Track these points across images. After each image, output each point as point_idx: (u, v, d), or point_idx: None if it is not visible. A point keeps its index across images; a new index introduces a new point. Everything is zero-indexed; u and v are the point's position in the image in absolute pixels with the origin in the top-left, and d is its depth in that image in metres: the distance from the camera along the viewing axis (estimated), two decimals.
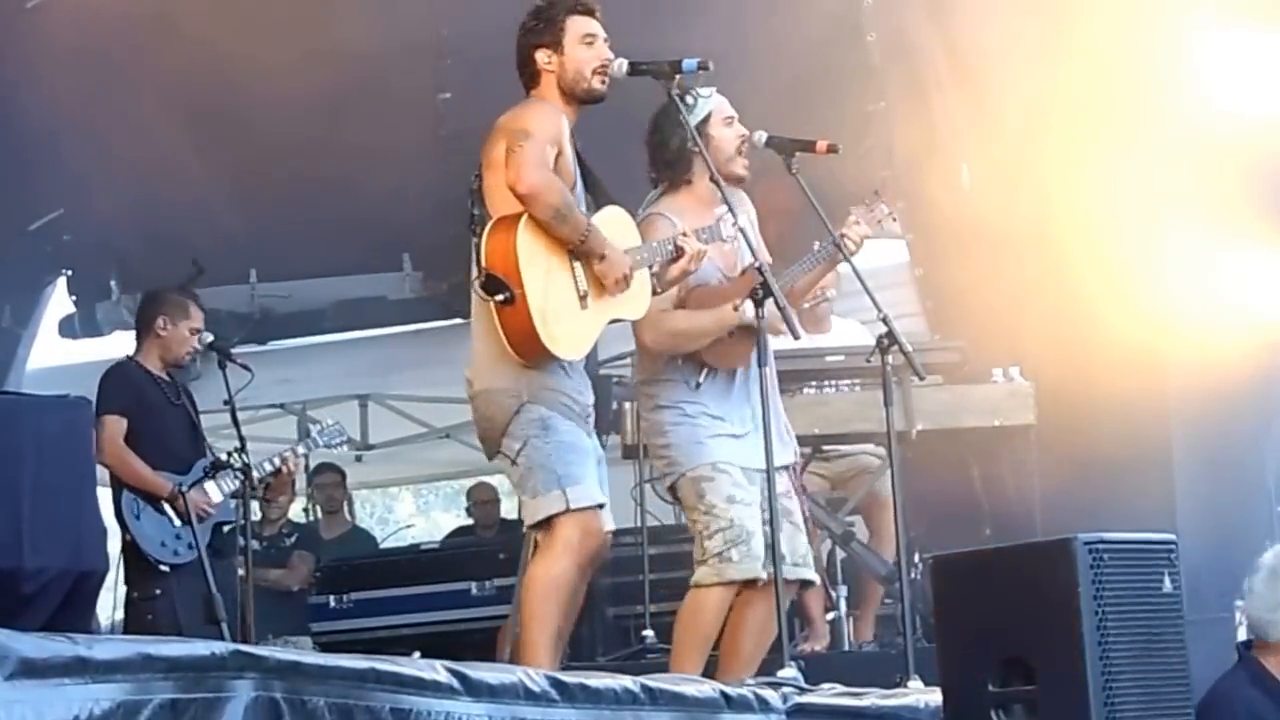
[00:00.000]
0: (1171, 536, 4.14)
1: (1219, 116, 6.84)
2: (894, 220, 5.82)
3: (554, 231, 4.76)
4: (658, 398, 5.29)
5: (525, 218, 4.74)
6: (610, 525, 5.06)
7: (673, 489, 5.31)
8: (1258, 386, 7.05)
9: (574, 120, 5.00)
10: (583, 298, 4.84)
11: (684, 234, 5.02)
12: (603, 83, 4.97)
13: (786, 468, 5.36)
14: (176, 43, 7.69)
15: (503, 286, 4.72)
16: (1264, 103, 6.84)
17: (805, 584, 5.42)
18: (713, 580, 5.13)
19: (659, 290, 5.12)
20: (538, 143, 4.77)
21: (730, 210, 5.05)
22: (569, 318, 4.81)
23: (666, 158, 5.26)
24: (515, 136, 4.77)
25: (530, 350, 4.76)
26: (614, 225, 4.97)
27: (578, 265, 4.84)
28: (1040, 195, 7.58)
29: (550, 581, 4.83)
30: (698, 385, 5.26)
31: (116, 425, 6.61)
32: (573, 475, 4.83)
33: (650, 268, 5.03)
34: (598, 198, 5.06)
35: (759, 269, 5.01)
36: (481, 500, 9.87)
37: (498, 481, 9.70)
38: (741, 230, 5.09)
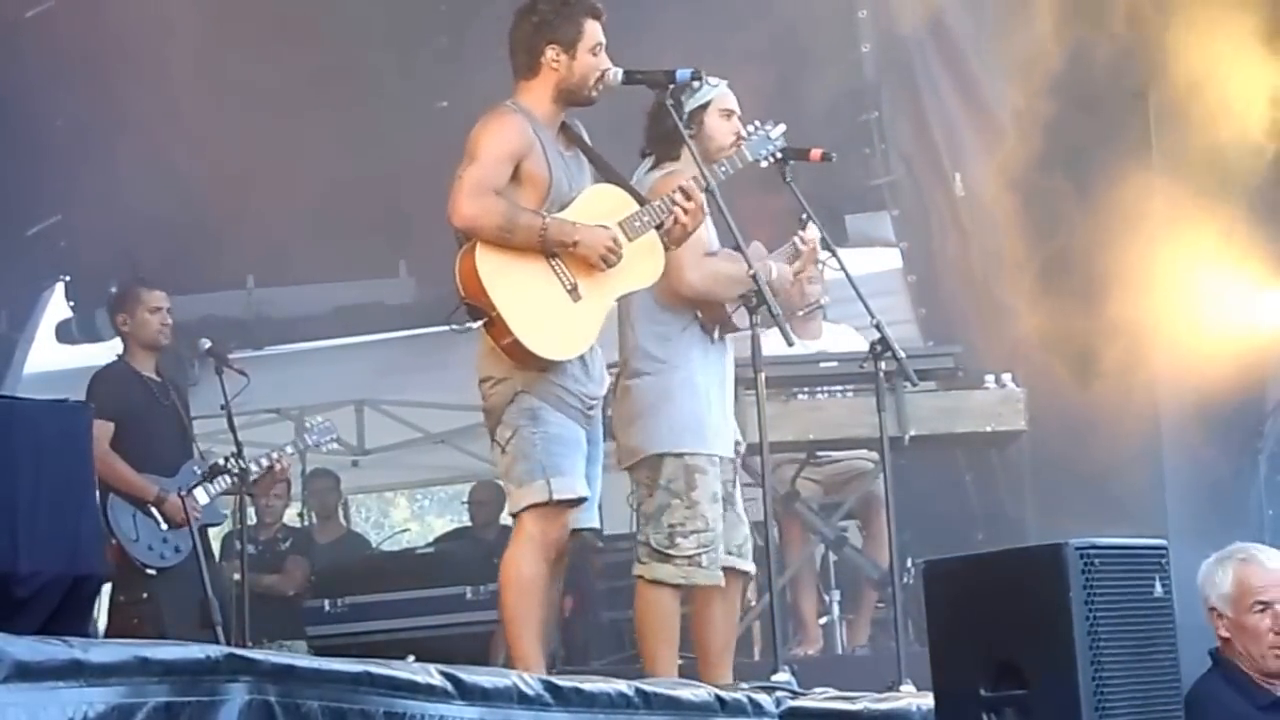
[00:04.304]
0: (1163, 541, 4.15)
1: (1210, 130, 6.88)
2: (823, 263, 5.78)
3: (510, 245, 4.75)
4: (672, 357, 5.16)
5: (480, 241, 4.74)
6: (595, 522, 5.05)
7: (650, 460, 5.14)
8: (1246, 393, 7.08)
9: (558, 116, 4.98)
10: (572, 290, 4.82)
11: (680, 188, 4.96)
12: (599, 91, 4.97)
13: (733, 459, 5.34)
14: (175, 50, 7.71)
15: (481, 312, 4.74)
16: (1253, 118, 6.89)
17: (744, 574, 5.36)
18: (678, 581, 5.10)
19: (671, 247, 5.05)
20: (480, 167, 4.77)
21: (712, 193, 5.05)
22: (557, 319, 4.80)
23: (661, 133, 5.27)
24: (463, 162, 4.79)
25: (527, 359, 4.78)
26: (602, 201, 4.94)
27: (558, 262, 4.81)
28: (1033, 203, 7.61)
29: (523, 582, 4.82)
30: (713, 342, 5.23)
31: (102, 430, 6.59)
32: (558, 466, 4.81)
33: (660, 226, 4.98)
34: (607, 180, 5.03)
35: (753, 276, 5.02)
36: (480, 500, 9.86)
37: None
38: (723, 212, 5.11)
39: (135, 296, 6.96)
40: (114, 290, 7.15)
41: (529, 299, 4.77)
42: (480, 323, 4.75)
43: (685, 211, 4.97)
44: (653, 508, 5.16)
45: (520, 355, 4.77)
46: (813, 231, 5.62)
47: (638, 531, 5.26)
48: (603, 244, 4.81)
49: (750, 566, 5.38)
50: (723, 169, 5.16)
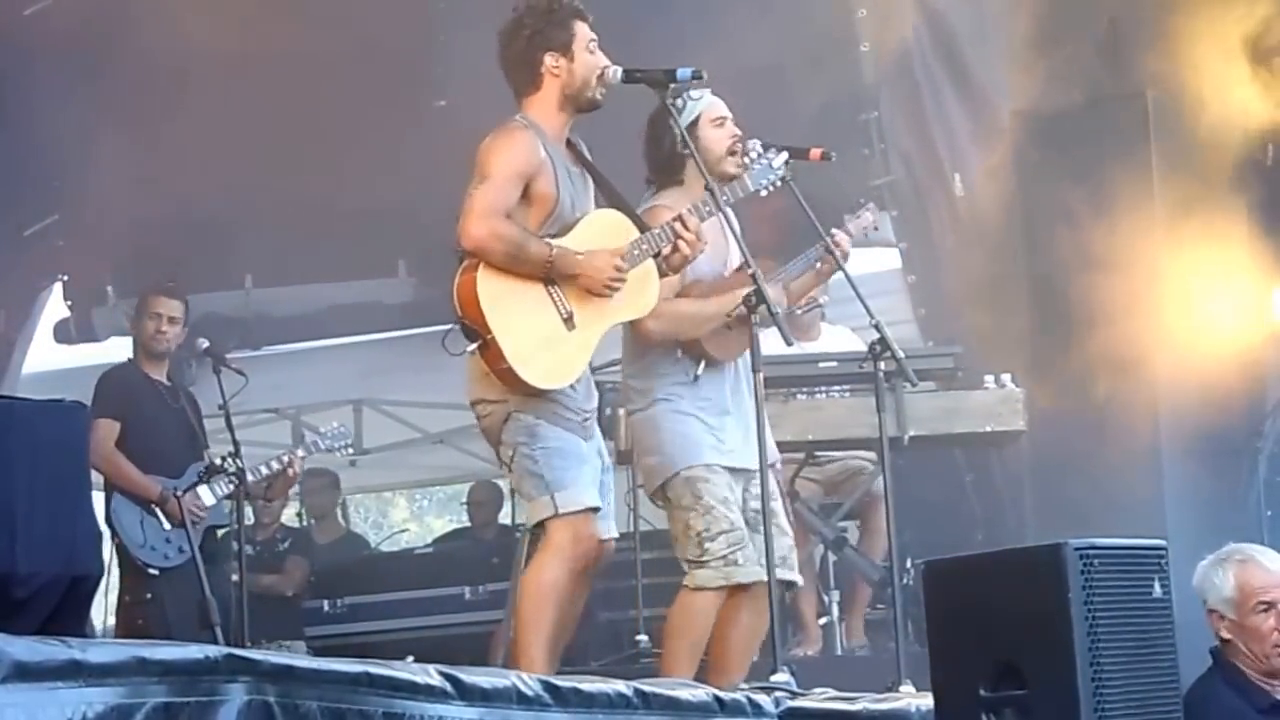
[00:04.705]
0: (1162, 542, 4.16)
1: (1209, 131, 6.89)
2: (876, 229, 5.84)
3: (516, 270, 4.76)
4: (654, 391, 5.24)
5: (484, 263, 4.74)
6: (613, 533, 5.06)
7: (661, 488, 5.23)
8: (1245, 393, 7.08)
9: (565, 129, 4.98)
10: (567, 319, 4.82)
11: (678, 216, 4.98)
12: (603, 92, 4.96)
13: (772, 466, 5.35)
14: (172, 50, 7.71)
15: (475, 334, 4.74)
16: (1252, 121, 6.90)
17: (789, 585, 5.38)
18: (718, 584, 5.12)
19: (667, 273, 5.07)
20: (491, 188, 4.76)
21: (720, 209, 5.06)
22: (550, 348, 4.81)
23: (660, 158, 5.28)
24: (475, 180, 4.79)
25: (517, 385, 4.80)
26: (605, 228, 4.95)
27: (555, 290, 4.82)
28: (1033, 204, 7.62)
29: (542, 587, 4.84)
30: (696, 378, 5.25)
31: (108, 429, 6.61)
32: (560, 480, 4.83)
33: (656, 255, 4.99)
34: (609, 199, 5.04)
35: (752, 276, 5.02)
36: (478, 500, 9.86)
37: (500, 483, 9.68)
38: (732, 228, 5.10)
39: (142, 302, 7.01)
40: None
41: (525, 326, 4.77)
42: (474, 346, 4.75)
43: (685, 242, 4.97)
44: (677, 528, 5.22)
45: (511, 381, 4.78)
46: (867, 216, 5.63)
47: (675, 554, 5.28)
48: (605, 275, 4.82)
49: (795, 576, 5.35)
50: (724, 198, 5.14)
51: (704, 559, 5.12)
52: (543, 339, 4.80)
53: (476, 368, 4.85)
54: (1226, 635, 4.58)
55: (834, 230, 5.59)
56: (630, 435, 5.43)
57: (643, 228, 4.98)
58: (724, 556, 5.11)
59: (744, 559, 5.12)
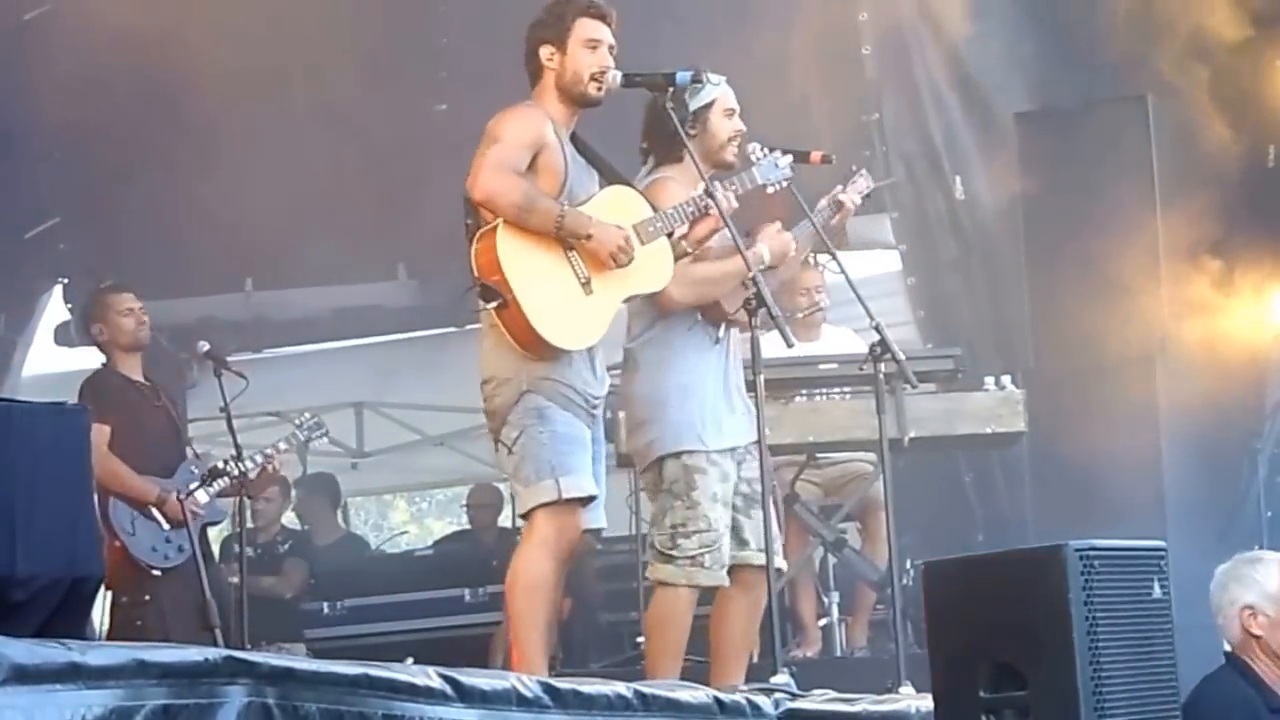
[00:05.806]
0: (1161, 543, 4.17)
1: (1210, 132, 6.90)
2: (866, 196, 5.81)
3: (526, 226, 4.79)
4: (670, 361, 5.18)
5: (503, 221, 4.78)
6: (602, 522, 5.06)
7: (657, 463, 5.18)
8: (1245, 393, 7.09)
9: (571, 120, 5.02)
10: (585, 284, 4.85)
11: (706, 189, 5.02)
12: (598, 89, 4.99)
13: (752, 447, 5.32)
14: (173, 53, 7.72)
15: (495, 293, 4.75)
16: (1253, 121, 6.92)
17: (768, 570, 5.33)
18: (681, 582, 5.12)
19: (690, 250, 5.11)
20: (503, 148, 4.81)
21: (711, 195, 5.08)
22: (570, 309, 4.82)
23: (663, 135, 5.28)
24: (485, 143, 4.84)
25: (537, 347, 4.79)
26: (618, 203, 4.98)
27: (574, 254, 4.85)
28: (1033, 206, 7.62)
29: (532, 582, 4.84)
30: (717, 340, 5.25)
31: (100, 433, 6.59)
32: (566, 465, 4.83)
33: (670, 234, 5.02)
34: (612, 182, 5.07)
35: (752, 278, 5.02)
36: (479, 503, 9.86)
37: (501, 486, 9.68)
38: (722, 213, 5.11)
39: (105, 303, 6.93)
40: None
41: (544, 285, 4.79)
42: (494, 304, 4.75)
43: (701, 222, 5.02)
44: (657, 510, 5.21)
45: (529, 340, 4.77)
46: (862, 184, 5.64)
47: (647, 534, 5.27)
48: (615, 242, 4.85)
49: (780, 563, 5.29)
50: (733, 187, 5.17)
51: (672, 553, 5.12)
52: (561, 299, 4.81)
53: (493, 341, 4.85)
54: (1258, 631, 4.59)
55: (838, 188, 5.60)
56: (629, 405, 5.34)
57: (654, 207, 5.02)
58: (692, 557, 5.10)
59: (711, 562, 5.11)
